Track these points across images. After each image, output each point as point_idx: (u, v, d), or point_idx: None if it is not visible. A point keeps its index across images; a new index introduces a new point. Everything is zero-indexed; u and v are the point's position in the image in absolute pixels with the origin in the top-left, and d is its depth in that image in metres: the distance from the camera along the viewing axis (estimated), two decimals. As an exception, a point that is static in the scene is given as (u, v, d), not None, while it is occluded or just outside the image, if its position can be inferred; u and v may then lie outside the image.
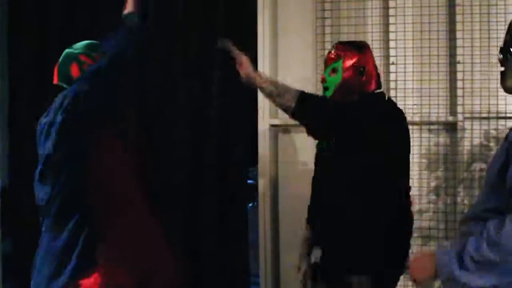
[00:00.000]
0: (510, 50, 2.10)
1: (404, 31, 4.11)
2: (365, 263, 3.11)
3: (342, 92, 3.26)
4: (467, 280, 1.99)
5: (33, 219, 4.61)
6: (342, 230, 3.13)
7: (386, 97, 3.34)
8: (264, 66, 4.24)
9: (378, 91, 3.31)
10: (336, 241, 3.15)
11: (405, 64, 4.12)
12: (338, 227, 3.14)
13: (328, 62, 3.33)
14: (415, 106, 4.06)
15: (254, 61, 4.31)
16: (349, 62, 3.27)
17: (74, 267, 2.95)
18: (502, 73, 2.16)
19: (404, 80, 4.11)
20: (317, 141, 3.39)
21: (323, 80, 3.31)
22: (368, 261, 3.10)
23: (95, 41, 3.25)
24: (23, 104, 4.74)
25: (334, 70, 3.28)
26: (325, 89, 3.31)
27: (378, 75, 3.34)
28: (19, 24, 4.78)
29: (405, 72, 4.11)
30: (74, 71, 3.17)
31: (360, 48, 3.34)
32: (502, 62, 2.15)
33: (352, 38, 4.06)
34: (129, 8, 3.12)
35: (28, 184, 4.62)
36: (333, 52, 3.32)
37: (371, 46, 4.09)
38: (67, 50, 3.21)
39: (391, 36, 4.13)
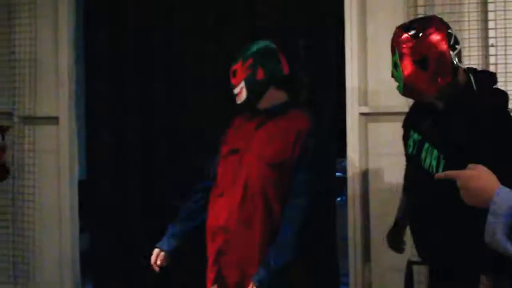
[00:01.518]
0: None
1: (505, 10, 3.82)
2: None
3: (409, 90, 2.84)
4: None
5: (111, 213, 4.66)
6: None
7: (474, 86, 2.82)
8: (352, 49, 4.06)
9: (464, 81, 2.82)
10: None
11: (505, 46, 3.83)
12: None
13: (391, 53, 2.89)
14: (517, 92, 3.79)
15: (341, 44, 4.18)
16: (404, 57, 2.78)
17: None
18: None
19: (505, 64, 3.82)
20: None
21: (392, 74, 2.89)
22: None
23: (260, 43, 3.28)
24: (100, 97, 4.73)
25: (395, 65, 2.84)
26: (397, 82, 2.90)
27: (460, 52, 2.81)
28: (95, 23, 4.77)
29: (505, 54, 3.82)
30: None
31: (417, 31, 2.78)
32: None
33: (446, 19, 3.78)
34: None
35: (105, 178, 4.68)
36: (391, 41, 2.87)
37: (468, 27, 3.84)
38: None
39: (490, 15, 3.85)
